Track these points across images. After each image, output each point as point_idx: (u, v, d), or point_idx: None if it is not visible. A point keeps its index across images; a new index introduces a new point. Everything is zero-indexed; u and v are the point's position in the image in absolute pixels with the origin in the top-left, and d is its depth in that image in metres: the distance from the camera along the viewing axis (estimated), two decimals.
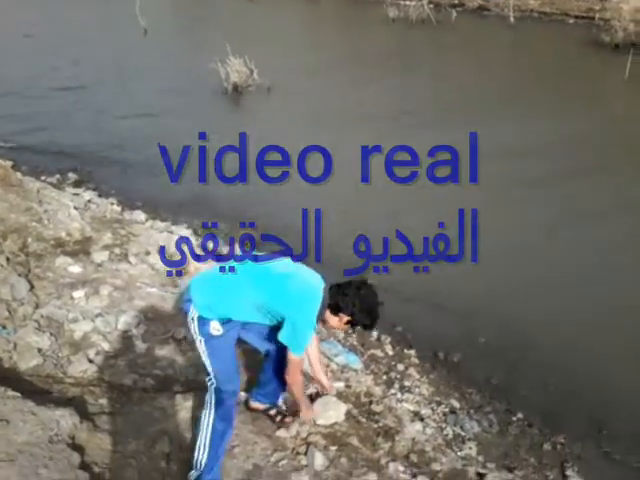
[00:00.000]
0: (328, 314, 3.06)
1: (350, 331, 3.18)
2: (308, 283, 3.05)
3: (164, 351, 4.12)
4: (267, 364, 3.40)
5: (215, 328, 2.95)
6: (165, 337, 4.24)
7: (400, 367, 4.55)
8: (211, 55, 11.32)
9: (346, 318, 3.04)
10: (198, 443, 3.01)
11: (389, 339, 4.87)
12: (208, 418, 3.01)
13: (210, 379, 3.02)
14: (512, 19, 17.37)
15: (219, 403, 3.00)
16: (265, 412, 3.54)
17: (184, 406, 3.53)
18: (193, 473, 3.02)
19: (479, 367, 4.63)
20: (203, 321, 2.97)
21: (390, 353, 4.72)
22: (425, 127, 9.31)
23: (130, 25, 16.31)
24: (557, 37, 16.06)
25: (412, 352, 4.75)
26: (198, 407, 3.46)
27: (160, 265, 5.22)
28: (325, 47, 14.75)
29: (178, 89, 11.64)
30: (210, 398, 3.03)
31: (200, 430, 3.03)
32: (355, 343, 4.76)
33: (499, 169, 7.68)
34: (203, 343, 3.00)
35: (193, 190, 7.14)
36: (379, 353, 4.68)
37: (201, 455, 2.99)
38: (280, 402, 3.60)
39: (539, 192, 7.25)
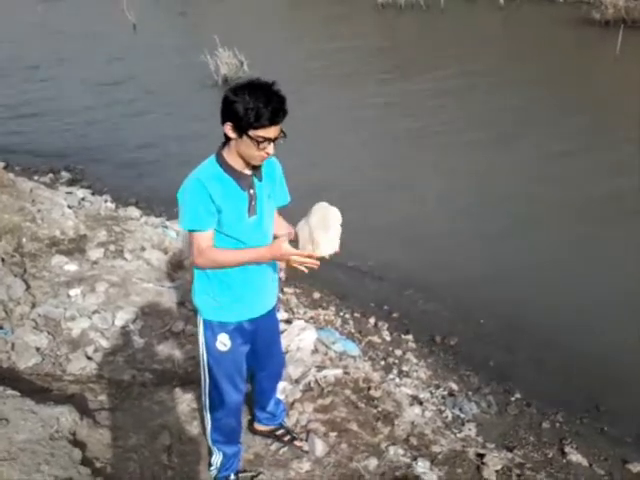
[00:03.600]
0: (227, 150, 2.42)
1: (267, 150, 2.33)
2: None
3: (162, 345, 4.13)
4: (263, 383, 3.10)
5: (222, 342, 2.67)
6: (163, 331, 4.26)
7: (398, 352, 4.57)
8: (200, 47, 11.30)
9: (229, 127, 2.31)
10: (211, 449, 2.96)
11: (386, 325, 4.89)
12: (213, 444, 2.92)
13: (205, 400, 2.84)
14: (502, 1, 17.31)
15: (218, 427, 2.86)
16: (272, 433, 3.33)
17: (184, 399, 3.55)
18: (212, 470, 3.00)
19: (476, 349, 4.66)
20: (210, 331, 2.69)
21: (387, 339, 4.74)
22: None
23: (119, 21, 16.26)
24: (547, 17, 15.99)
25: (409, 337, 4.77)
26: (197, 399, 3.49)
27: (156, 260, 5.23)
28: (314, 36, 14.66)
29: (169, 83, 11.64)
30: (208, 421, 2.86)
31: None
32: (352, 330, 4.79)
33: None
34: (206, 361, 2.74)
35: None
36: (376, 339, 4.70)
37: (216, 458, 2.96)
38: (286, 422, 3.42)
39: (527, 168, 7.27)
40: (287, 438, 3.32)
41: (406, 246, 5.90)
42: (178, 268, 5.14)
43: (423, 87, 10.62)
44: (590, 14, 14.44)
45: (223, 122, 2.33)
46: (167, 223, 6.27)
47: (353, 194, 6.76)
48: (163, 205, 6.86)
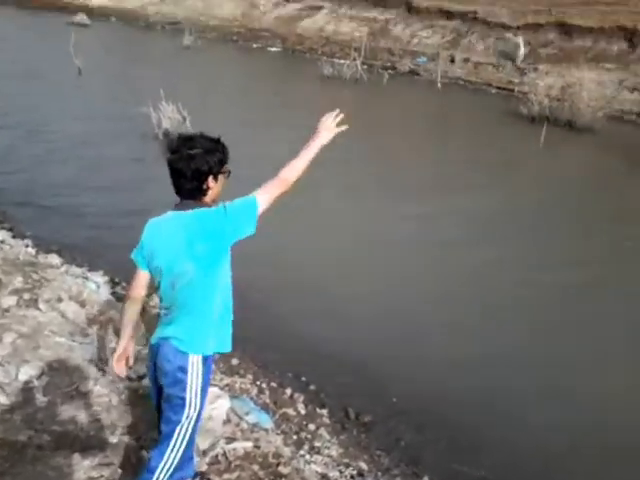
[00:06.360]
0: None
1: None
2: None
3: (66, 405, 3.93)
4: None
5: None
6: (69, 390, 4.06)
7: (311, 427, 4.53)
8: (144, 99, 11.30)
9: (210, 179, 2.60)
10: None
11: (302, 397, 4.86)
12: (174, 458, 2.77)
13: (189, 418, 2.74)
14: (439, 85, 18.37)
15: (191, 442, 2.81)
16: None
17: (81, 466, 3.37)
18: None
19: (389, 428, 4.68)
20: (207, 366, 2.75)
21: (302, 412, 4.70)
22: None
23: (65, 64, 16.13)
24: (480, 105, 17.06)
25: (324, 412, 4.75)
26: (96, 467, 3.34)
27: (72, 313, 5.05)
28: (260, 100, 15.00)
29: (108, 132, 11.52)
30: (183, 439, 2.75)
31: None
32: (268, 401, 4.72)
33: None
34: (200, 389, 2.73)
35: (116, 236, 6.97)
36: (291, 412, 4.65)
37: None
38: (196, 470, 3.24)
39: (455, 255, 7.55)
40: None
41: (328, 319, 5.93)
42: (93, 323, 4.97)
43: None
44: (518, 108, 15.49)
45: (202, 181, 2.58)
46: (88, 274, 6.10)
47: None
48: (86, 254, 6.67)
